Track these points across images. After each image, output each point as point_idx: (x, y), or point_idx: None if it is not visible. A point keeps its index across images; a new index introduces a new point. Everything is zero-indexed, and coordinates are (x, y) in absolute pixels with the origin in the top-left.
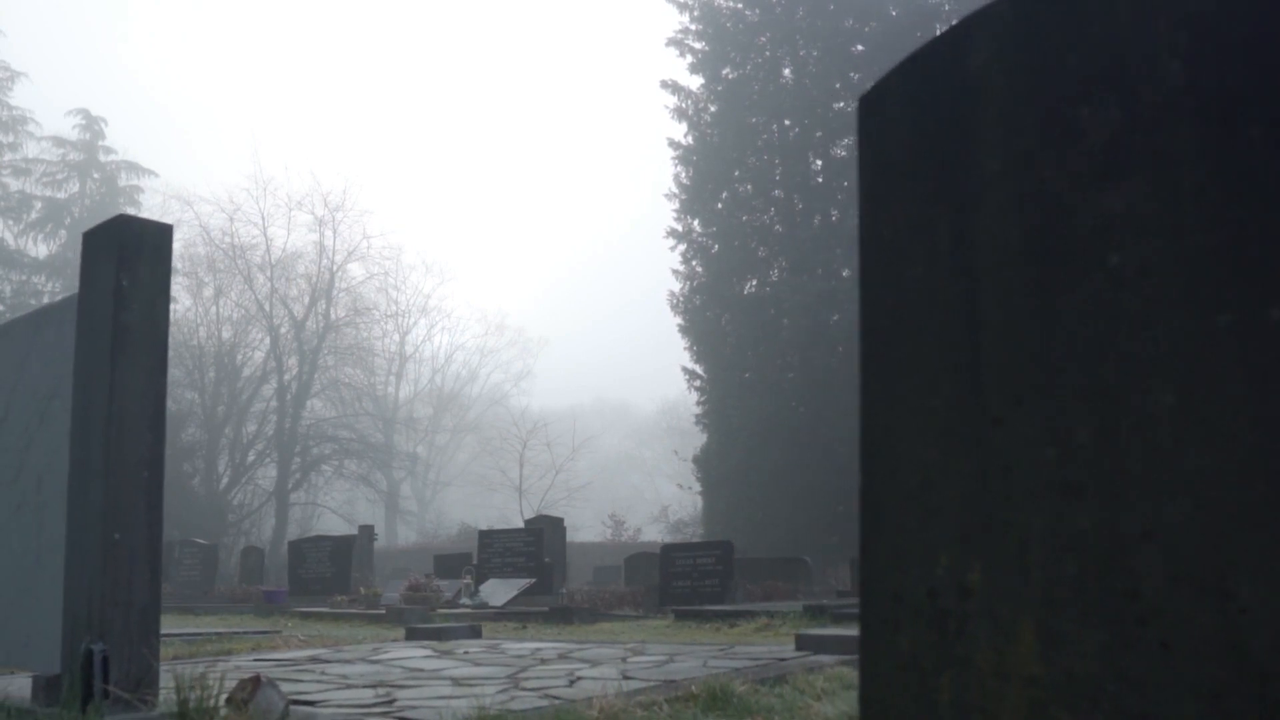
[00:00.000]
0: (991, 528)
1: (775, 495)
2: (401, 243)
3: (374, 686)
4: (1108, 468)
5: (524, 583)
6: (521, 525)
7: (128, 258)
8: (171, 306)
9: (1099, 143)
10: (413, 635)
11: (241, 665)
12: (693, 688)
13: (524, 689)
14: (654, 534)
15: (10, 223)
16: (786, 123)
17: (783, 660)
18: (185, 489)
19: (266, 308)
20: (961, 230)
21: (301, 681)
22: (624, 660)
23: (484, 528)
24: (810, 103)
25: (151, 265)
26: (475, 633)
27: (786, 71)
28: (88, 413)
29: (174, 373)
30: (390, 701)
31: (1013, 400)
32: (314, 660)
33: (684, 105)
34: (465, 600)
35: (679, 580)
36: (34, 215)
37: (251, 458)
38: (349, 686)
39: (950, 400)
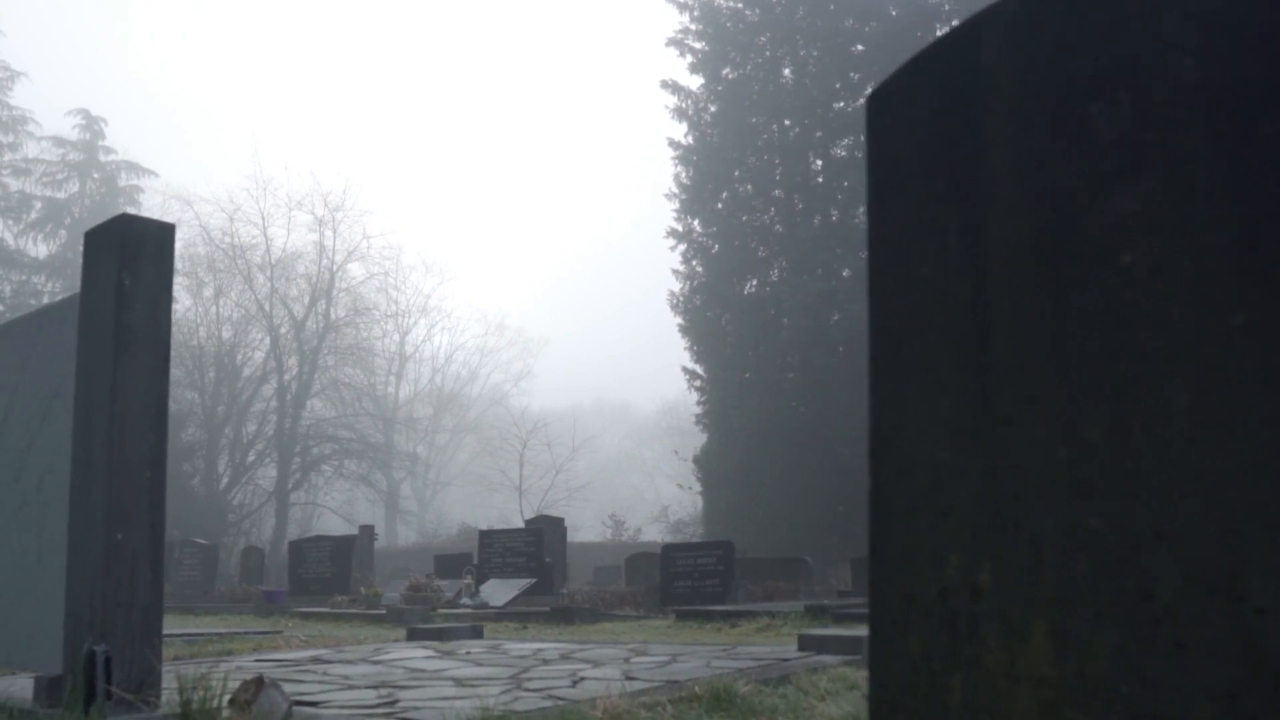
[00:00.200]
0: (1002, 527)
1: (775, 495)
2: (401, 243)
3: (376, 687)
4: (1120, 467)
5: (525, 583)
6: (522, 525)
7: (130, 257)
8: (172, 306)
9: (1110, 140)
10: (414, 635)
11: (243, 666)
12: (696, 688)
13: (527, 690)
14: (654, 534)
15: (10, 223)
16: (786, 123)
17: (786, 660)
18: (185, 489)
19: (266, 308)
20: (971, 229)
21: (303, 682)
22: (626, 661)
23: (484, 528)
24: (810, 103)
25: (154, 264)
26: (477, 633)
27: (786, 71)
28: (90, 412)
29: (174, 373)
30: (393, 702)
31: (1024, 399)
32: (315, 661)
33: (684, 105)
34: (466, 600)
35: (680, 580)
36: (34, 215)
37: (251, 458)
38: (351, 687)
39: (960, 399)
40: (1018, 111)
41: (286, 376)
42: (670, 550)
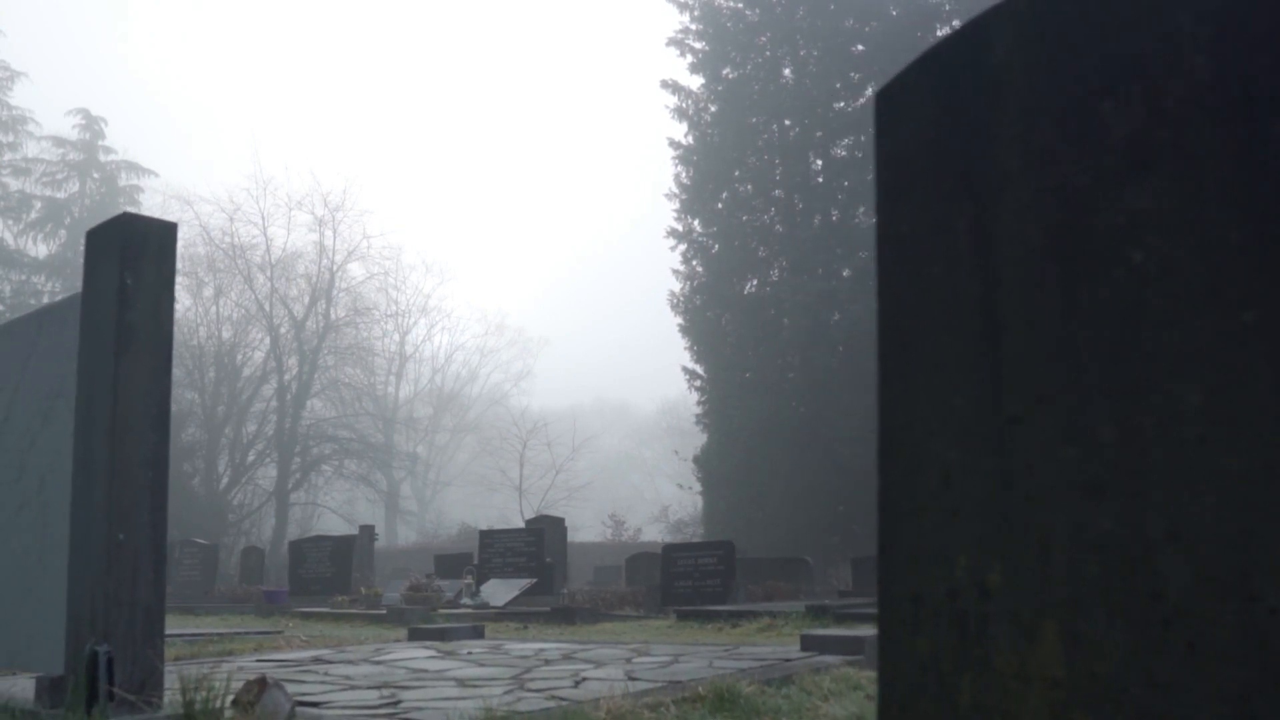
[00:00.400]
0: (1012, 528)
1: (775, 495)
2: (401, 243)
3: (378, 688)
4: (1131, 467)
5: (525, 583)
6: (522, 525)
7: (132, 256)
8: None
9: (1122, 138)
10: (415, 636)
11: (244, 666)
12: (699, 689)
13: (530, 690)
14: (654, 534)
15: (10, 222)
16: (786, 123)
17: (788, 661)
18: (185, 489)
19: (266, 308)
20: (981, 227)
21: (305, 683)
22: (628, 661)
23: (484, 528)
24: (810, 103)
25: (156, 264)
26: (478, 633)
27: (787, 71)
28: (91, 412)
29: (174, 373)
30: (395, 703)
31: (1034, 399)
32: (317, 661)
33: (684, 105)
34: (466, 600)
35: (681, 580)
36: (34, 215)
37: (251, 458)
38: (353, 688)
39: (970, 399)
40: (1028, 109)
41: (286, 376)
42: (671, 550)
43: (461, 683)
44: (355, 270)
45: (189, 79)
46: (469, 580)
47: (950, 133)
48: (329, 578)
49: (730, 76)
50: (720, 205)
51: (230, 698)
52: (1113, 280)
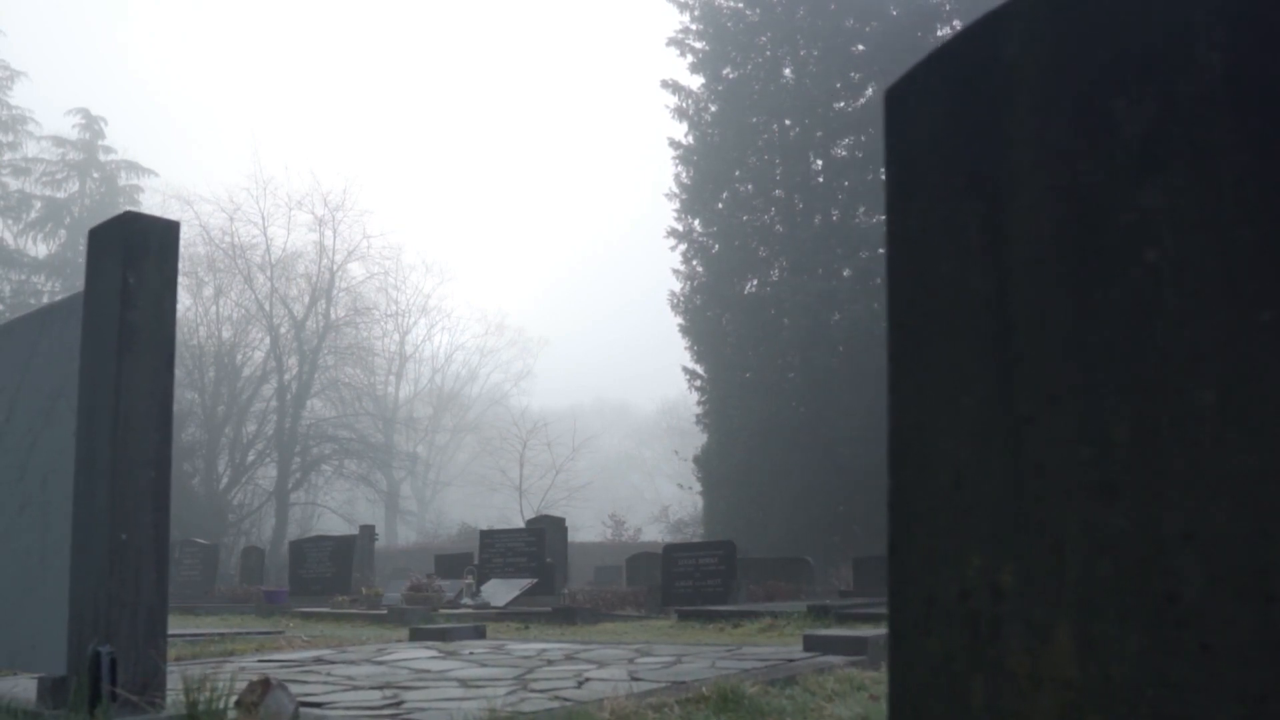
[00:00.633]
0: (1025, 528)
1: (776, 495)
2: (401, 243)
3: (381, 688)
4: (1145, 467)
5: (526, 583)
6: (522, 525)
7: (134, 255)
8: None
9: (1135, 136)
10: (416, 636)
11: (246, 666)
12: (703, 689)
13: (533, 690)
14: (654, 534)
15: (10, 222)
16: (787, 123)
17: (791, 661)
18: (185, 489)
19: (266, 307)
20: (993, 225)
21: (307, 683)
22: (631, 661)
23: (484, 528)
24: (810, 103)
25: (158, 263)
26: (479, 633)
27: (787, 71)
28: (93, 412)
29: (175, 372)
30: (398, 703)
31: (1047, 398)
32: (319, 661)
33: (684, 105)
34: (467, 600)
35: (682, 580)
36: (34, 215)
37: (251, 458)
38: (356, 688)
39: (982, 398)
40: (1040, 106)
41: (286, 376)
42: (672, 550)
43: (464, 683)
44: (355, 270)
45: (189, 79)
46: (470, 580)
47: (960, 131)
48: (329, 578)
49: (730, 76)
50: (720, 205)
51: (234, 698)
52: (1126, 279)
